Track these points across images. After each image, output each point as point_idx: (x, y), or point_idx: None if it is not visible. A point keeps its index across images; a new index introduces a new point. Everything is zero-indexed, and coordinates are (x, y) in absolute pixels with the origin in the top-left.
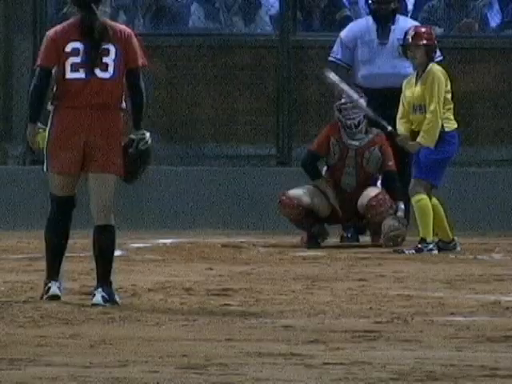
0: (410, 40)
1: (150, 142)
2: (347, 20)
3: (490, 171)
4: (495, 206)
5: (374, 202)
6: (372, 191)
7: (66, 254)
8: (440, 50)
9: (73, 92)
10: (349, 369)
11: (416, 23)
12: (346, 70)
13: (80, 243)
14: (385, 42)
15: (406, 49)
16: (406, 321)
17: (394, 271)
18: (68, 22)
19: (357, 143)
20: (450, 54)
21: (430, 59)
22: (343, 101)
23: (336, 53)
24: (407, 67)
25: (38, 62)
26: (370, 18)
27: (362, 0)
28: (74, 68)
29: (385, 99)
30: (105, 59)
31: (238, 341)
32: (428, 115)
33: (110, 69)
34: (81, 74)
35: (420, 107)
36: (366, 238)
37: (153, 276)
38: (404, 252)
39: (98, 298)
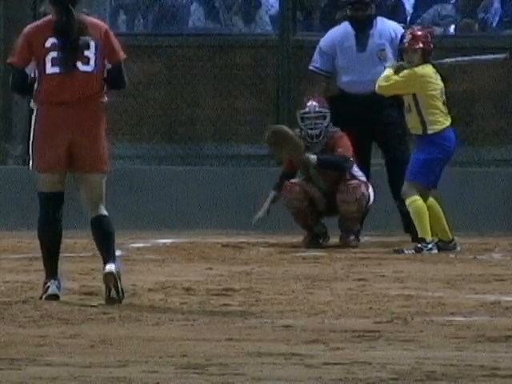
0: (407, 44)
1: None
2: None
3: (489, 171)
4: (495, 206)
5: (342, 187)
6: (349, 181)
7: (66, 254)
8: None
9: (55, 87)
10: (349, 369)
11: (395, 24)
12: (326, 78)
13: (80, 243)
14: (363, 49)
15: (402, 52)
16: (406, 321)
17: (394, 271)
18: (45, 19)
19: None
20: (449, 54)
21: (426, 62)
22: (307, 110)
23: (315, 61)
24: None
25: (12, 59)
26: (347, 25)
27: None
28: (54, 62)
29: (369, 104)
30: (86, 53)
31: (238, 341)
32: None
33: (92, 62)
34: (62, 69)
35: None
36: (365, 238)
37: (153, 276)
38: (404, 252)
39: (111, 267)
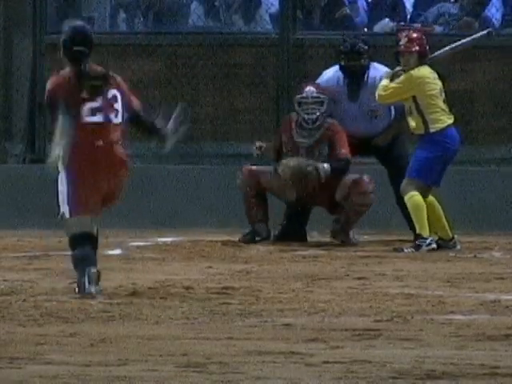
0: (403, 47)
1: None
2: (347, 18)
3: (490, 170)
4: (495, 205)
5: (355, 182)
6: (353, 176)
7: (66, 253)
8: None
9: (91, 134)
10: (349, 367)
11: (388, 70)
12: None
13: None
14: (355, 100)
15: (398, 55)
16: (406, 319)
17: (394, 270)
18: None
19: (306, 141)
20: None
21: (422, 64)
22: (304, 94)
23: None
24: (378, 126)
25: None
26: (341, 76)
27: None
28: (92, 112)
29: (367, 140)
30: (115, 105)
31: (238, 339)
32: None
33: (119, 115)
34: (98, 118)
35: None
36: (365, 237)
37: (153, 275)
38: (403, 251)
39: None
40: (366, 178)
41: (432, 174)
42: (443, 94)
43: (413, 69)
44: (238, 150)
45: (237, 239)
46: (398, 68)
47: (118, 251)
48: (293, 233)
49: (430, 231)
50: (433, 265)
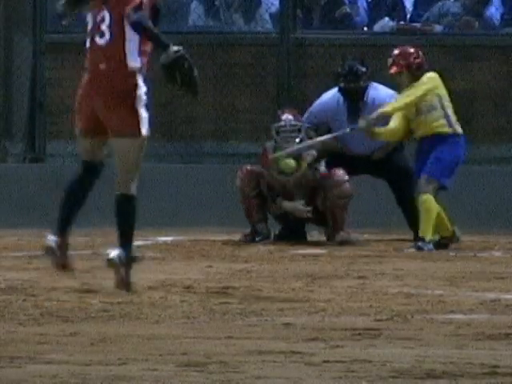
0: (391, 71)
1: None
2: (347, 17)
3: (490, 169)
4: (495, 204)
5: (331, 173)
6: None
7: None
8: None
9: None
10: (349, 367)
11: (387, 90)
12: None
13: (80, 241)
14: (355, 122)
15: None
16: (406, 318)
17: (394, 269)
18: None
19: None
20: (450, 52)
21: (420, 75)
22: (282, 123)
23: (306, 122)
24: (379, 142)
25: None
26: (340, 98)
27: None
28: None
29: (368, 158)
30: (102, 26)
31: (238, 339)
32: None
33: (107, 35)
34: (87, 43)
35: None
36: (365, 236)
37: (153, 274)
38: (403, 250)
39: (114, 254)
40: (337, 170)
41: (451, 177)
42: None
43: (416, 80)
44: (237, 149)
45: (237, 239)
46: (372, 117)
47: (117, 251)
48: (293, 232)
49: (433, 233)
50: (433, 264)
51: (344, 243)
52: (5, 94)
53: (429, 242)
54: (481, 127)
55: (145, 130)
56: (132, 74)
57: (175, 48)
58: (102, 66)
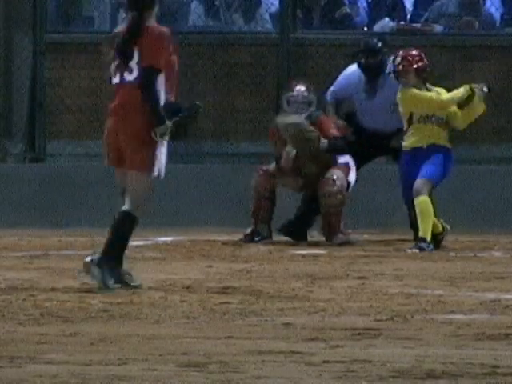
0: (400, 67)
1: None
2: (347, 18)
3: (489, 169)
4: (495, 204)
5: (324, 180)
6: (331, 173)
7: (66, 252)
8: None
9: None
10: (349, 367)
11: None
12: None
13: (80, 241)
14: (373, 97)
15: (396, 75)
16: (406, 319)
17: (394, 269)
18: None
19: None
20: (450, 52)
21: (425, 76)
22: (294, 93)
23: (327, 97)
24: (396, 122)
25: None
26: (360, 73)
27: None
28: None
29: (386, 136)
30: (131, 63)
31: (238, 338)
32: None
33: (135, 72)
34: (116, 79)
35: (431, 117)
36: (365, 236)
37: (153, 274)
38: (405, 251)
39: (88, 258)
40: (334, 177)
41: (442, 179)
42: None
43: (421, 82)
44: (237, 149)
45: (237, 238)
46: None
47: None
48: (295, 231)
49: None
50: (433, 264)
51: (343, 244)
52: (5, 93)
53: (430, 243)
54: (481, 127)
55: (157, 170)
56: None
57: (169, 123)
58: (128, 101)
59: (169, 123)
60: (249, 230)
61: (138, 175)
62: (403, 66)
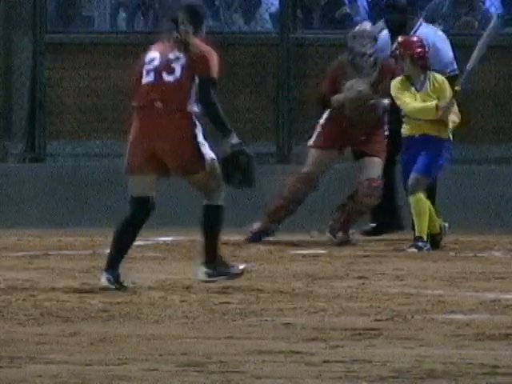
0: (398, 52)
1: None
2: (347, 17)
3: (490, 169)
4: (495, 204)
5: (368, 183)
6: (373, 172)
7: (66, 252)
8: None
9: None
10: (349, 367)
11: (441, 33)
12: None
13: (80, 241)
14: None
15: (396, 60)
16: (406, 319)
17: (394, 269)
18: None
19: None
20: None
21: (423, 65)
22: (357, 29)
23: None
24: None
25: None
26: (386, 32)
27: None
28: (147, 73)
29: None
30: (173, 64)
31: (238, 338)
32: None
33: (177, 73)
34: (150, 77)
35: None
36: (365, 236)
37: (153, 274)
38: (405, 250)
39: (200, 274)
40: (378, 180)
41: (437, 173)
42: None
43: (423, 73)
44: None
45: (236, 238)
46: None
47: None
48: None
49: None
50: (433, 264)
51: (343, 244)
52: (5, 93)
53: (427, 242)
54: (481, 127)
55: (208, 160)
56: (190, 115)
57: (234, 141)
58: (159, 104)
59: (233, 140)
60: (255, 227)
61: (194, 176)
62: (400, 51)
